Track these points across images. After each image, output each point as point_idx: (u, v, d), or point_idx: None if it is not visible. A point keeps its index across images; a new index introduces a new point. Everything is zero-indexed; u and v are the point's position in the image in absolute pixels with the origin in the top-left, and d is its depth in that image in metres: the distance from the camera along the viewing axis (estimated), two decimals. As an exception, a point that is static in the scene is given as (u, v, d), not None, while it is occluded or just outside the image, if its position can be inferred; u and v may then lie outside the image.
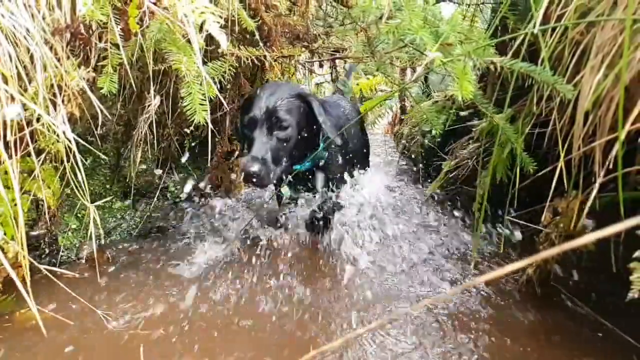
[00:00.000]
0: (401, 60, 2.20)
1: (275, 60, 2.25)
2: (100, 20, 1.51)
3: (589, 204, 1.54)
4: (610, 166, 1.33)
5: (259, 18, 2.13)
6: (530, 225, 1.88)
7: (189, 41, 1.63)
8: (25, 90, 1.46)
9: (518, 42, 2.06)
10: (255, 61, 2.12)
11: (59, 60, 1.55)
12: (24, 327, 1.66)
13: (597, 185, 1.42)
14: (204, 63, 2.04)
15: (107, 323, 1.70)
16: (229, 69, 2.05)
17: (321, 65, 2.76)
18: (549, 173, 1.76)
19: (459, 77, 1.63)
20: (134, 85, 1.69)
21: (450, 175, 3.04)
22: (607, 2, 1.45)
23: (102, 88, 1.66)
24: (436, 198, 3.14)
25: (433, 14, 1.67)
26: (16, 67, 1.42)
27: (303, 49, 2.33)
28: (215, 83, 1.94)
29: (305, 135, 2.12)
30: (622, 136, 1.16)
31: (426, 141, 3.54)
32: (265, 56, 2.04)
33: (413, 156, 4.01)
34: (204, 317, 1.76)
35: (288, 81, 2.98)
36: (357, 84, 5.69)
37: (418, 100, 3.73)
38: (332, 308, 1.84)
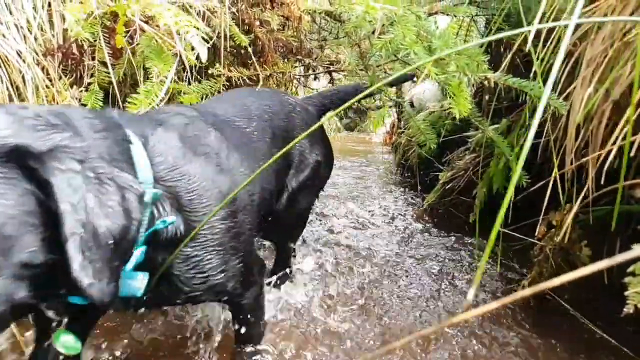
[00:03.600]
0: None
1: (269, 76, 2.26)
2: (87, 39, 1.52)
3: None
4: (602, 181, 1.32)
5: (252, 34, 2.14)
6: (526, 238, 1.87)
7: (176, 55, 1.65)
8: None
9: (511, 53, 2.07)
10: (247, 80, 2.12)
11: (51, 80, 1.55)
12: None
13: (590, 199, 1.41)
14: (199, 81, 2.05)
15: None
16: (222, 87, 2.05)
17: (316, 79, 2.76)
18: (545, 185, 1.75)
19: (455, 94, 1.62)
20: (120, 103, 1.69)
21: (447, 187, 3.04)
22: (597, 16, 1.45)
23: (94, 107, 1.66)
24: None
25: (426, 29, 1.67)
26: (7, 89, 1.43)
27: (296, 63, 2.33)
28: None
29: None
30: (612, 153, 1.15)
31: (423, 152, 3.54)
32: (257, 75, 2.04)
33: (411, 167, 4.01)
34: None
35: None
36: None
37: (412, 114, 3.75)
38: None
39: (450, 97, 1.60)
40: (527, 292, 0.44)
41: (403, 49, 1.63)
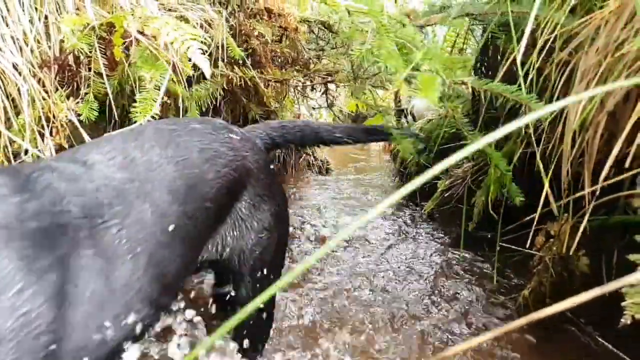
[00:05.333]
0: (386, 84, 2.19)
1: (267, 86, 2.26)
2: (84, 51, 1.52)
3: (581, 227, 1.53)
4: (598, 192, 1.33)
5: (250, 45, 2.15)
6: (522, 249, 1.87)
7: (169, 63, 1.65)
8: (11, 126, 1.47)
9: (508, 62, 2.07)
10: (248, 82, 2.12)
11: (47, 92, 1.55)
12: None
13: (586, 209, 1.41)
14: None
15: None
16: (220, 94, 2.05)
17: (313, 89, 2.76)
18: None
19: (423, 86, 1.53)
20: (115, 114, 1.70)
21: (446, 195, 3.03)
22: (592, 28, 1.46)
23: (88, 117, 1.66)
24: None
25: (409, 40, 1.66)
26: (2, 102, 1.43)
27: (294, 73, 2.34)
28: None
29: None
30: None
31: (421, 160, 3.54)
32: (253, 77, 2.03)
33: (410, 174, 4.01)
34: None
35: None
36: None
37: (411, 123, 3.77)
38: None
39: (419, 91, 1.54)
40: (523, 321, 0.42)
41: (379, 61, 1.60)
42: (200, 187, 1.12)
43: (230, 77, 2.19)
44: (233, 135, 1.29)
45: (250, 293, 1.33)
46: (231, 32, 2.05)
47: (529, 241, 1.72)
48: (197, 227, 1.11)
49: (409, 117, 4.31)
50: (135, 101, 1.62)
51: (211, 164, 1.16)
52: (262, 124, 1.57)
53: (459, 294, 2.17)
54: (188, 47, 1.39)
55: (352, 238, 2.81)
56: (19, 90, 1.46)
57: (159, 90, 1.62)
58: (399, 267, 2.44)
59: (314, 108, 3.76)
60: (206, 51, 1.49)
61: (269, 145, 1.50)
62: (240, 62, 2.25)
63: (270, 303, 1.48)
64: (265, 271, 1.34)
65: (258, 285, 1.33)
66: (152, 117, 1.61)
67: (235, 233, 1.27)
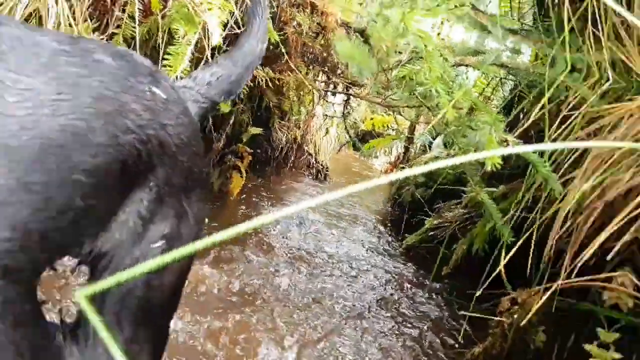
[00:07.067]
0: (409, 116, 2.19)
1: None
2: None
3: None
4: (574, 274, 1.33)
5: (283, 33, 2.15)
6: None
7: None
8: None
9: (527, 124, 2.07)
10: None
11: (75, 19, 1.55)
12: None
13: (557, 287, 1.42)
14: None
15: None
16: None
17: (334, 94, 2.75)
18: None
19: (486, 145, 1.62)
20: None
21: (430, 234, 3.04)
22: (615, 116, 1.46)
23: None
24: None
25: (448, 74, 1.68)
26: (26, 21, 1.42)
27: (319, 74, 2.33)
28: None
29: None
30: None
31: (417, 193, 3.55)
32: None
33: (402, 203, 4.01)
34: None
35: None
36: (372, 119, 5.76)
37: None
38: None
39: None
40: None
41: (426, 84, 1.64)
42: (77, 153, 0.69)
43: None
44: (158, 89, 0.85)
45: (124, 333, 0.84)
46: (270, 15, 2.04)
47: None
48: (64, 220, 0.69)
49: (417, 147, 4.34)
50: (161, 55, 1.63)
51: (106, 121, 0.73)
52: (193, 79, 1.10)
53: (418, 338, 2.13)
54: (210, 9, 1.39)
55: (330, 257, 2.76)
56: (48, 11, 1.45)
57: (190, 45, 1.63)
58: (362, 298, 2.40)
59: (326, 116, 3.72)
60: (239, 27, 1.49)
61: (207, 109, 1.09)
62: (271, 47, 2.26)
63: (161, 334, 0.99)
64: (152, 303, 0.88)
65: (140, 320, 0.87)
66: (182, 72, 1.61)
67: (116, 235, 0.82)
